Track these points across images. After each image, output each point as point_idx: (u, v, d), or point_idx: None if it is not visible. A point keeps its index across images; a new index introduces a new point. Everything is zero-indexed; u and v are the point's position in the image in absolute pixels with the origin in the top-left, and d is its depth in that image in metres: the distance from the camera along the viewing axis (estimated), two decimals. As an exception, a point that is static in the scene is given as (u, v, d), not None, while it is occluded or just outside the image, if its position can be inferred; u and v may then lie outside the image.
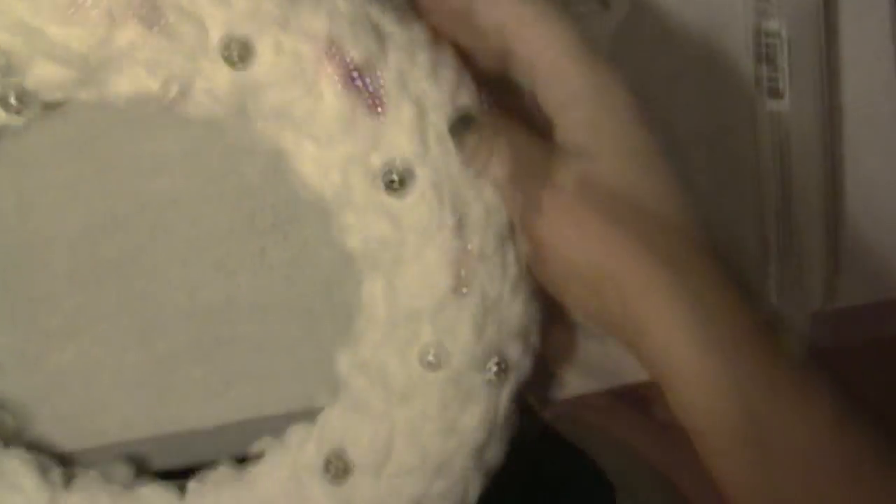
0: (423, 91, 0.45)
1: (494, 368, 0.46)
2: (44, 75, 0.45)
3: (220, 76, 0.45)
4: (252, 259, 0.53)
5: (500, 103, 0.45)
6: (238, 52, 0.44)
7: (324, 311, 0.53)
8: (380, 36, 0.44)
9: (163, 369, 0.53)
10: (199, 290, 0.53)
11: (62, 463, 0.52)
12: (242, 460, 0.51)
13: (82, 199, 0.51)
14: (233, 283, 0.53)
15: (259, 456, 0.51)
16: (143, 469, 0.53)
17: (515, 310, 0.47)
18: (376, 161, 0.45)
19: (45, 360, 0.52)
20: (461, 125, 0.43)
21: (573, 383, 0.55)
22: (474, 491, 0.49)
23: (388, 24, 0.45)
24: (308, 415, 0.50)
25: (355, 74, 0.44)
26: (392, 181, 0.45)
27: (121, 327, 0.52)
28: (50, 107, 0.48)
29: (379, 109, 0.44)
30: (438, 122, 0.45)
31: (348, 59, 0.44)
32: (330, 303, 0.53)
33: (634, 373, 0.51)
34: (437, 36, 0.45)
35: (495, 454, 0.49)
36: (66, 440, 0.52)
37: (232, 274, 0.53)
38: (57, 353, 0.52)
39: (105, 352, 0.52)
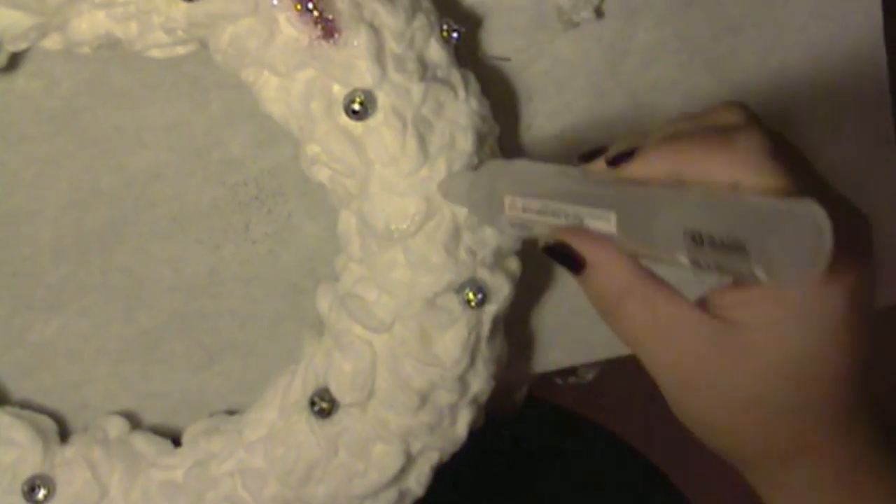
0: (378, 17, 0.44)
1: (470, 293, 0.46)
2: (4, 23, 0.46)
3: (176, 10, 0.44)
4: (236, 233, 0.53)
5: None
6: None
7: (307, 285, 0.53)
8: None
9: (147, 342, 0.53)
10: (183, 263, 0.53)
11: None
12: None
13: (66, 174, 0.52)
14: (217, 256, 0.53)
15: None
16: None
17: (489, 233, 0.47)
18: (337, 89, 0.45)
19: (29, 333, 0.52)
20: None
21: (558, 356, 0.56)
22: (463, 425, 0.49)
23: None
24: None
25: (309, 3, 0.44)
26: (353, 108, 0.45)
27: (105, 301, 0.53)
28: (14, 61, 0.48)
29: (335, 36, 0.44)
30: (396, 47, 0.45)
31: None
32: (313, 276, 0.53)
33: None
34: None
35: (481, 386, 0.48)
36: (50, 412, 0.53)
37: (216, 248, 0.53)
38: (41, 326, 0.52)
39: (89, 325, 0.53)
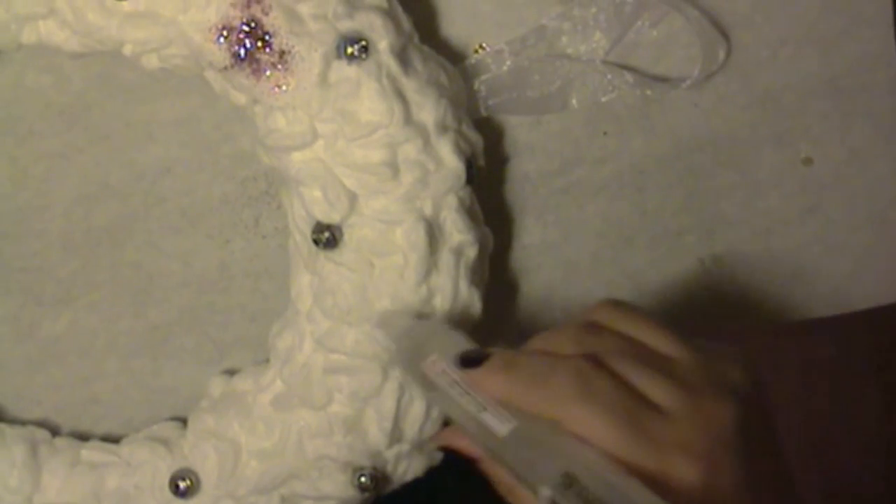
0: None
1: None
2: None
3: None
4: (246, 228, 0.53)
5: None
6: None
7: (317, 280, 0.53)
8: None
9: (157, 337, 0.53)
10: (193, 258, 0.53)
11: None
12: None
13: (75, 169, 0.52)
14: (226, 251, 0.53)
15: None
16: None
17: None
18: None
19: (38, 329, 0.52)
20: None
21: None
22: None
23: None
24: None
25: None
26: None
27: (114, 296, 0.53)
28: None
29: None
30: None
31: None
32: (323, 271, 0.53)
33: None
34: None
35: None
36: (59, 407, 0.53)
37: (226, 242, 0.53)
38: (51, 321, 0.52)
39: (99, 320, 0.53)
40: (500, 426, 0.40)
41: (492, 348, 0.43)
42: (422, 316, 0.48)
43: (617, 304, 0.43)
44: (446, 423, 0.48)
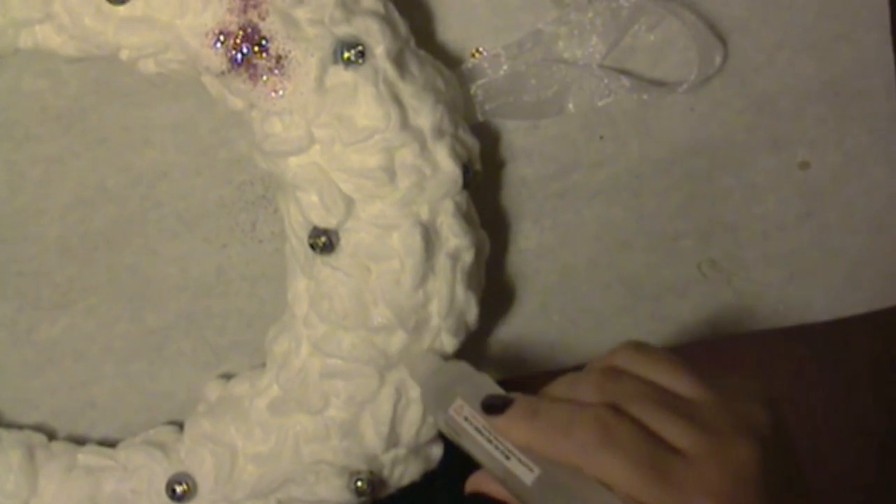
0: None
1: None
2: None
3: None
4: (243, 232, 0.53)
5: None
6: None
7: (314, 284, 0.53)
8: None
9: (154, 341, 0.53)
10: (190, 262, 0.53)
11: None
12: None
13: (72, 173, 0.52)
14: (223, 255, 0.53)
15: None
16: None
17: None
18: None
19: (35, 332, 0.52)
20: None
21: (529, 363, 0.56)
22: None
23: None
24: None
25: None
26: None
27: (111, 300, 0.53)
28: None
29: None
30: None
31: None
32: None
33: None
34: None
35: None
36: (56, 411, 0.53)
37: (223, 247, 0.53)
38: (48, 325, 0.52)
39: (96, 324, 0.53)
40: (526, 474, 0.42)
41: (515, 394, 0.43)
42: (447, 357, 0.48)
43: (638, 347, 0.44)
44: (442, 436, 0.49)
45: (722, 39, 0.53)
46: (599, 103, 0.53)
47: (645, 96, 0.53)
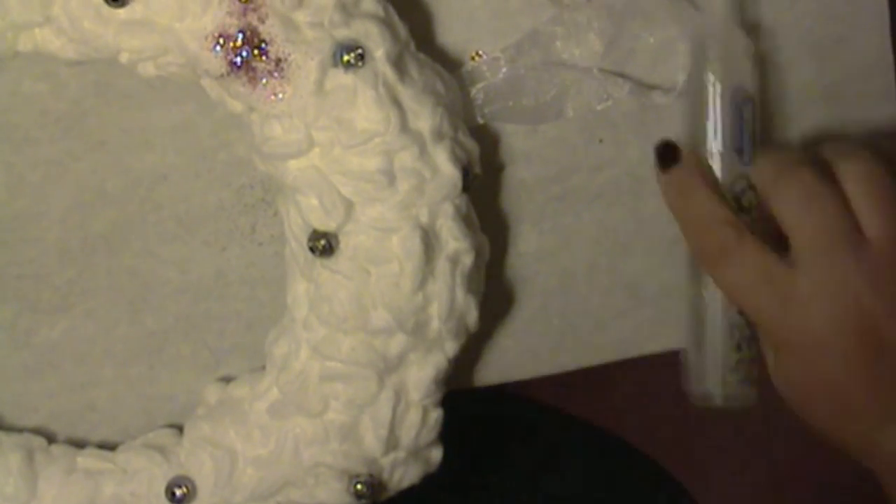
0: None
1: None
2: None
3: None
4: (242, 235, 0.53)
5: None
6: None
7: (313, 287, 0.53)
8: None
9: (153, 344, 0.53)
10: (190, 265, 0.53)
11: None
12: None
13: (71, 176, 0.52)
14: (223, 258, 0.53)
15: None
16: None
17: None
18: None
19: (35, 336, 0.52)
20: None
21: (529, 367, 0.56)
22: None
23: None
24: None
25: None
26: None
27: (111, 303, 0.53)
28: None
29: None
30: None
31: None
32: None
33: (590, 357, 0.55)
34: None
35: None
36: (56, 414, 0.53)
37: (222, 250, 0.53)
38: (47, 328, 0.52)
39: (95, 327, 0.53)
40: None
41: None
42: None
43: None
44: (442, 432, 0.49)
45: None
46: (599, 107, 0.53)
47: (644, 99, 0.53)
